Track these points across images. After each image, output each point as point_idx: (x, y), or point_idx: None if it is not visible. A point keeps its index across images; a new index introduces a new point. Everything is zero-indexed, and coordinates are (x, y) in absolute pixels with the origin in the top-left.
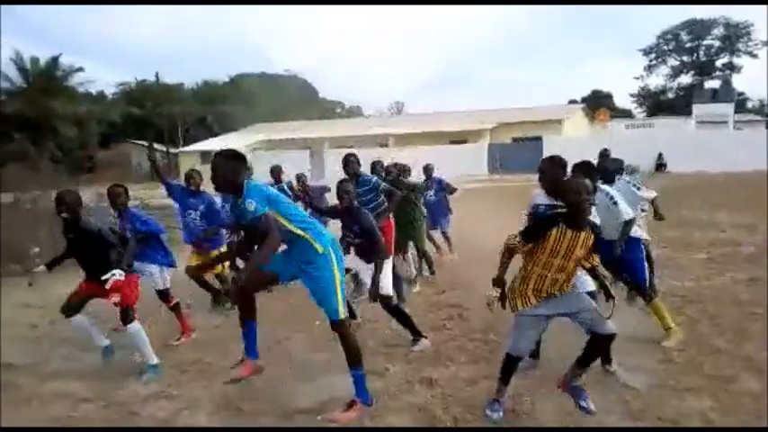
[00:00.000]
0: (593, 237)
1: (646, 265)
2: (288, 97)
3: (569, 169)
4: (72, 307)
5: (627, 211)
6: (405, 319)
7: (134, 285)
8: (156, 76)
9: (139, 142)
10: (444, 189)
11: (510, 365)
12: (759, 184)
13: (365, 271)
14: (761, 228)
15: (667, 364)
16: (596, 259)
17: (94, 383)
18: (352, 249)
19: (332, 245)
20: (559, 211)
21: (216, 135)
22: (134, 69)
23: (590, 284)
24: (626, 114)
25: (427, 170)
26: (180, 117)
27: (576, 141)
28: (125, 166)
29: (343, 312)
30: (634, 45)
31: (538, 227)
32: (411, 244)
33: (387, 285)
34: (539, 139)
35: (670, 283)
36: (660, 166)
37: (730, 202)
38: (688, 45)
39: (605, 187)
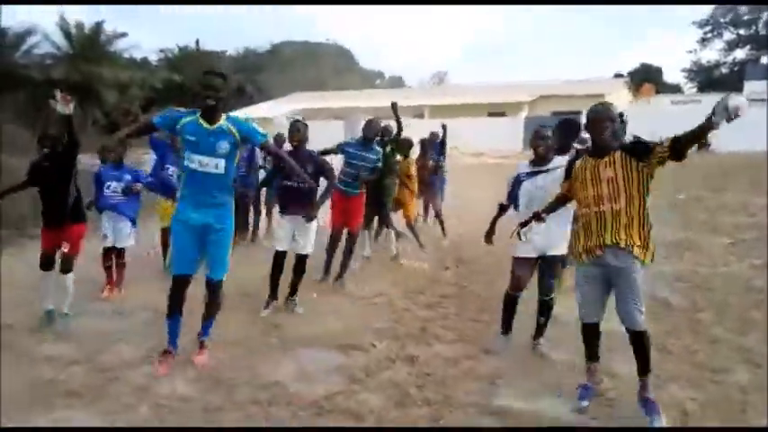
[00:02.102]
0: (620, 153)
1: None
2: (327, 66)
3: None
4: (45, 262)
5: None
6: (300, 276)
7: (80, 233)
8: (197, 43)
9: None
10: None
11: (585, 335)
12: None
13: (303, 231)
14: None
15: (659, 352)
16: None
17: (85, 346)
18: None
19: None
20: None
21: (254, 103)
22: (177, 35)
23: (562, 248)
24: (675, 90)
25: (432, 136)
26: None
27: None
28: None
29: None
30: (690, 17)
31: (568, 166)
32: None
33: (310, 244)
34: (578, 113)
35: (683, 267)
36: (703, 144)
37: None
38: (746, 17)
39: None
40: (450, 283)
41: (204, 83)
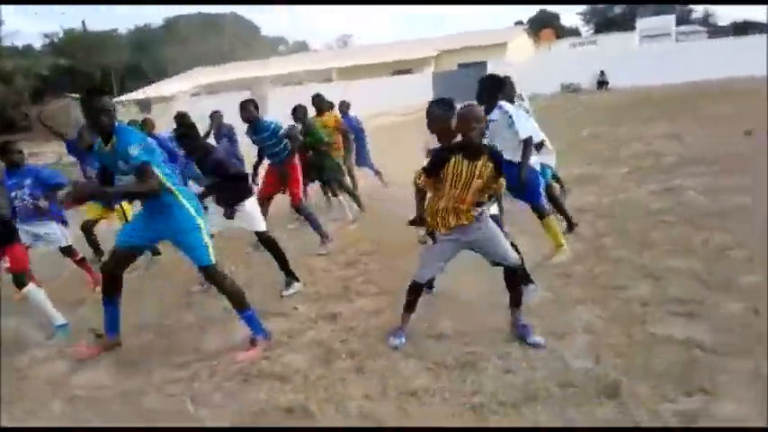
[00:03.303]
0: (491, 165)
1: (541, 182)
2: (228, 38)
3: None
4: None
5: (525, 130)
6: (280, 258)
7: (19, 251)
8: (83, 24)
9: (74, 95)
10: (359, 130)
11: (413, 292)
12: (693, 95)
13: (240, 217)
14: (686, 139)
15: (564, 279)
16: (502, 185)
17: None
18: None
19: (194, 202)
20: (456, 142)
21: (152, 82)
22: (62, 18)
23: (492, 209)
24: (574, 33)
25: (343, 106)
26: (113, 65)
27: (519, 64)
28: (63, 121)
29: (213, 256)
30: None
31: (436, 161)
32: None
33: (258, 220)
34: (483, 63)
35: (587, 199)
36: (601, 83)
37: (662, 115)
38: None
39: (505, 105)
40: (371, 240)
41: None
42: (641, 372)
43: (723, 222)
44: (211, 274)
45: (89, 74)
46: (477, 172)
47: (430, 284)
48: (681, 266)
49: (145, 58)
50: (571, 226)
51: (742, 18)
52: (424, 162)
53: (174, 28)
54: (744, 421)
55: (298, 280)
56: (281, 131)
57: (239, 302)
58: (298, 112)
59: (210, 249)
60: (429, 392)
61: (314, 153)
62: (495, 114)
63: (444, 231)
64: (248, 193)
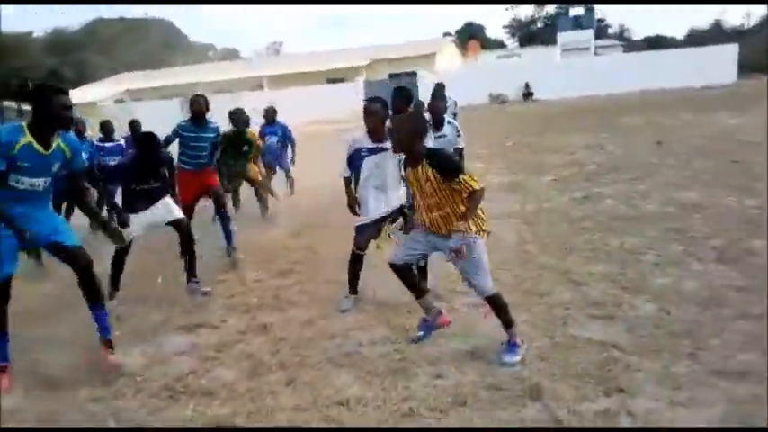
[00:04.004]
0: (430, 167)
1: None
2: (152, 43)
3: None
4: None
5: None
6: (191, 251)
7: None
8: None
9: None
10: (287, 138)
11: (398, 274)
12: (610, 107)
13: (155, 209)
14: (607, 148)
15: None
16: (469, 181)
17: None
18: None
19: None
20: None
21: (75, 87)
22: None
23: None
24: (499, 45)
25: (268, 114)
26: (30, 70)
27: (448, 75)
28: None
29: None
30: None
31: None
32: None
33: (176, 208)
34: (413, 74)
35: (512, 207)
36: (527, 95)
37: (583, 126)
38: None
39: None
40: (302, 247)
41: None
42: (563, 373)
43: (636, 227)
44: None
45: (4, 78)
46: (422, 176)
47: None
48: (599, 271)
49: (64, 62)
50: None
51: (654, 33)
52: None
53: (94, 32)
54: (657, 420)
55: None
56: (219, 140)
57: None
58: (239, 115)
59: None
60: (361, 401)
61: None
62: (446, 130)
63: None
64: (166, 191)
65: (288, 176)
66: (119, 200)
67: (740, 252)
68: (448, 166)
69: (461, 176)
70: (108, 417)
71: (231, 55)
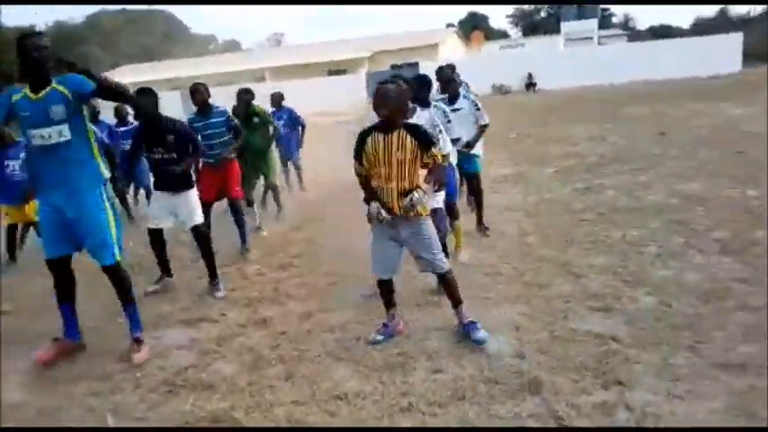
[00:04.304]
0: (410, 136)
1: (456, 184)
2: (155, 35)
3: None
4: None
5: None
6: (209, 256)
7: None
8: None
9: None
10: (295, 122)
11: (380, 288)
12: (614, 97)
13: (179, 206)
14: (610, 138)
15: (493, 277)
16: (438, 154)
17: None
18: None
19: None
20: (374, 123)
21: None
22: None
23: (438, 202)
24: (502, 36)
25: (275, 99)
26: None
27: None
28: None
29: (119, 253)
30: None
31: (357, 142)
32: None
33: (199, 212)
34: (416, 64)
35: (514, 198)
36: (530, 85)
37: (586, 117)
38: None
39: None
40: (302, 240)
41: (27, 46)
42: (562, 366)
43: (638, 219)
44: (114, 273)
45: (6, 72)
46: (394, 144)
47: None
48: (600, 263)
49: (67, 55)
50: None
51: (659, 22)
52: None
53: (96, 25)
54: (657, 414)
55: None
56: (234, 123)
57: (127, 297)
58: (243, 93)
59: (116, 241)
60: (359, 395)
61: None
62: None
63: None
64: (192, 183)
65: (297, 168)
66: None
67: (743, 244)
68: (427, 138)
69: (434, 149)
70: (106, 411)
71: (232, 47)
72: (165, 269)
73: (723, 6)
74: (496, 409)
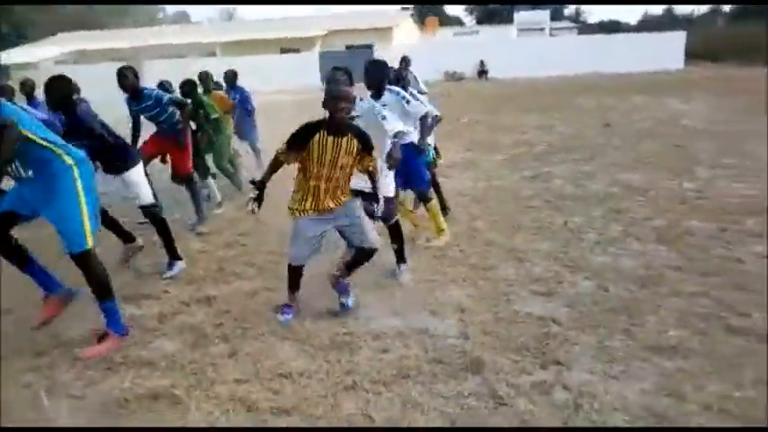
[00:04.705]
0: (357, 142)
1: (424, 169)
2: (100, 2)
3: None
4: None
5: (392, 127)
6: (167, 234)
7: None
8: None
9: None
10: (247, 101)
11: (292, 274)
12: (564, 89)
13: (124, 188)
14: (558, 128)
15: (440, 259)
16: (373, 163)
17: None
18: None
19: (81, 164)
20: (320, 119)
21: (12, 46)
22: None
23: (390, 190)
24: (457, 22)
25: (228, 77)
26: None
27: (405, 50)
28: None
29: (90, 242)
30: None
31: (299, 135)
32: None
33: (146, 193)
34: (370, 47)
35: (464, 183)
36: (482, 72)
37: (536, 106)
38: None
39: (394, 88)
40: (249, 220)
41: None
42: (504, 347)
43: (581, 207)
44: (83, 259)
45: None
46: (343, 148)
47: None
48: (544, 248)
49: (1, 17)
50: (445, 209)
51: (608, 18)
52: None
53: None
54: (593, 393)
55: (180, 258)
56: (166, 99)
57: (103, 291)
58: (185, 86)
59: (89, 230)
60: (304, 374)
61: (203, 128)
62: (387, 98)
63: (310, 214)
64: (132, 162)
65: (255, 151)
66: None
67: (678, 232)
68: (370, 144)
69: (373, 154)
70: (41, 389)
71: (182, 18)
72: (124, 236)
73: (669, 6)
74: (439, 388)
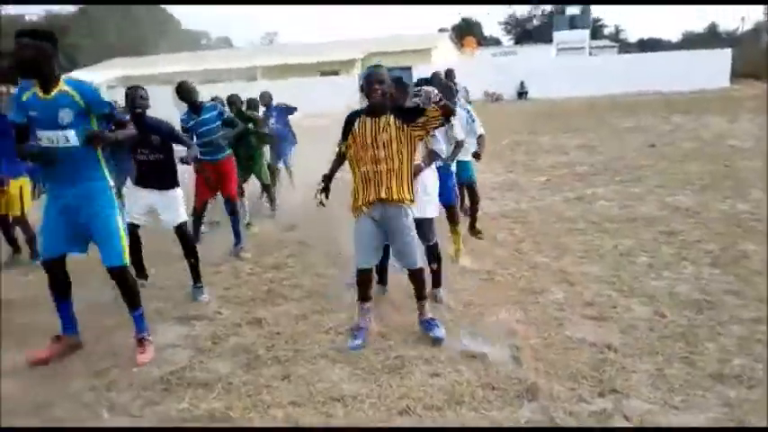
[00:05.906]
0: (393, 118)
1: (456, 191)
2: (145, 28)
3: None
4: None
5: (459, 133)
6: (193, 256)
7: None
8: None
9: None
10: (284, 112)
11: (360, 280)
12: (604, 108)
13: (163, 204)
14: (599, 149)
15: (488, 282)
16: (435, 114)
17: None
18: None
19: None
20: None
21: (67, 72)
22: None
23: (432, 212)
24: (495, 42)
25: (264, 99)
26: None
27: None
28: None
29: (127, 258)
30: None
31: (346, 123)
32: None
33: (183, 212)
34: (409, 68)
35: (507, 205)
36: (522, 93)
37: (577, 126)
38: None
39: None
40: (295, 241)
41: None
42: (558, 373)
43: (630, 229)
44: (120, 274)
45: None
46: (381, 126)
47: (382, 280)
48: (593, 272)
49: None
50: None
51: (648, 35)
52: None
53: (87, 15)
54: (652, 422)
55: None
56: (227, 114)
57: (134, 301)
58: (251, 103)
59: (126, 245)
60: (356, 398)
61: (247, 149)
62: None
63: (365, 206)
64: (177, 182)
65: (287, 167)
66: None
67: (733, 256)
68: (413, 111)
69: (427, 110)
70: (101, 408)
71: (224, 43)
72: (140, 270)
73: (712, 22)
74: (494, 415)
